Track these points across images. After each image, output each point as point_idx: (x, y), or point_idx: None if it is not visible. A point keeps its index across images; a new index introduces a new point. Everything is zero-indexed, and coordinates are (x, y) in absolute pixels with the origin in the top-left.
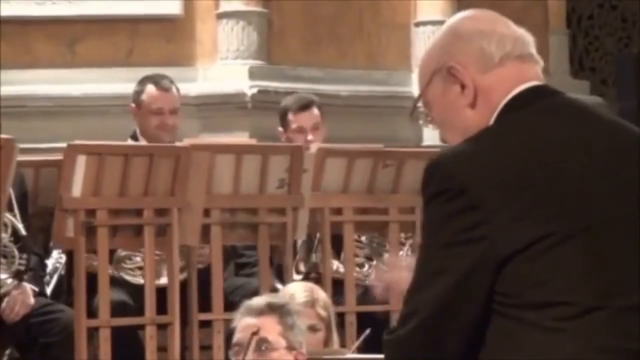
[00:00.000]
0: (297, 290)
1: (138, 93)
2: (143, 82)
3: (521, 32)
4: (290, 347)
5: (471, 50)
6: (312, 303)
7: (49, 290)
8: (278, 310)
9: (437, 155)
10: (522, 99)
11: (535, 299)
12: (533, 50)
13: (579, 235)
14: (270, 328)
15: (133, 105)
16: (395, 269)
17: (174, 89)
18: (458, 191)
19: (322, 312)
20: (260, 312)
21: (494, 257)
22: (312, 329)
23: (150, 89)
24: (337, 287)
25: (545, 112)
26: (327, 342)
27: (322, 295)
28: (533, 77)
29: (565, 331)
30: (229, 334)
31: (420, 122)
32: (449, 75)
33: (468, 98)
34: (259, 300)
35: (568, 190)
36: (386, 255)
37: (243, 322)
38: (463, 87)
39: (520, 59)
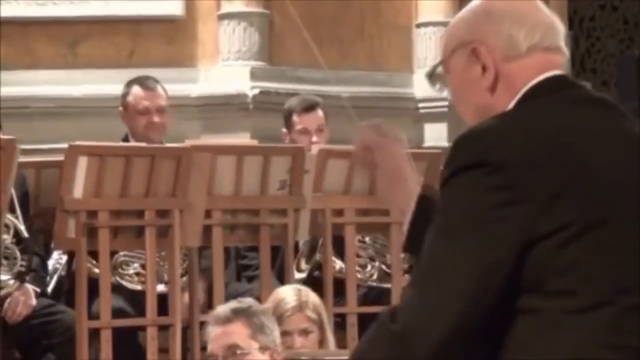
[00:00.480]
0: (286, 294)
1: (124, 96)
2: (129, 84)
3: (553, 20)
4: (263, 348)
5: (499, 35)
6: (300, 307)
7: (48, 290)
8: (243, 314)
9: (473, 127)
10: (547, 87)
11: (545, 289)
12: (562, 42)
13: (598, 228)
14: (239, 333)
15: (121, 108)
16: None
17: (159, 88)
18: (497, 166)
19: (312, 315)
20: (226, 319)
21: (523, 240)
22: (304, 332)
23: (136, 89)
24: (341, 288)
25: (571, 101)
26: (322, 343)
27: (312, 297)
28: (557, 66)
29: (570, 325)
30: None
31: (437, 86)
32: (472, 55)
33: (488, 81)
34: (223, 308)
35: (594, 181)
36: (388, 256)
37: (213, 333)
38: (484, 69)
39: (548, 50)
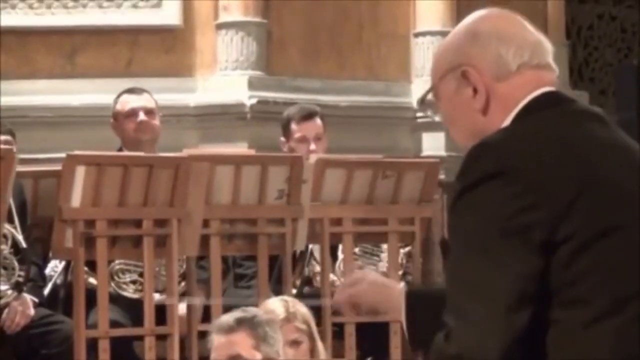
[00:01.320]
0: (275, 306)
1: (114, 106)
2: (118, 95)
3: (540, 38)
4: (266, 359)
5: (488, 56)
6: (289, 318)
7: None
8: (247, 324)
9: (483, 140)
10: (543, 102)
11: (562, 298)
12: (550, 59)
13: (608, 236)
14: (243, 343)
15: (112, 120)
16: (354, 283)
17: (146, 94)
18: (514, 174)
19: (302, 326)
20: (230, 328)
21: (545, 245)
22: (295, 343)
23: (123, 97)
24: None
25: (570, 115)
26: (312, 352)
27: (301, 308)
28: (548, 83)
29: (583, 336)
30: None
31: (429, 112)
32: (462, 78)
33: (480, 103)
34: (227, 317)
35: (603, 190)
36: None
37: (216, 342)
38: (475, 91)
39: (538, 68)
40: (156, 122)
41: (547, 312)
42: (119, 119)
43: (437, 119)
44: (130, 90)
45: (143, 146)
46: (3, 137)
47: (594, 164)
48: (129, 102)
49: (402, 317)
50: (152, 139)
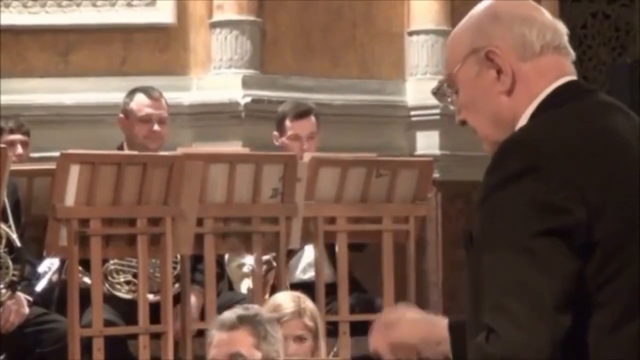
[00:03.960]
0: (285, 299)
1: (127, 103)
2: (133, 92)
3: (557, 21)
4: (266, 358)
5: (512, 36)
6: (299, 313)
7: (37, 290)
8: (249, 322)
9: (514, 134)
10: (567, 93)
11: (590, 301)
12: (566, 42)
13: (635, 237)
14: (243, 341)
15: (121, 115)
16: (391, 325)
17: (163, 100)
18: (548, 170)
19: (309, 323)
20: (231, 326)
21: (582, 245)
22: (299, 339)
23: (140, 97)
24: (330, 295)
25: (594, 107)
26: (314, 351)
27: (310, 305)
28: (570, 71)
29: (604, 340)
30: None
31: (441, 104)
32: (486, 60)
33: (505, 85)
34: (229, 314)
35: (631, 187)
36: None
37: (216, 338)
38: (499, 72)
39: (558, 51)
40: (166, 130)
41: (577, 315)
42: (131, 118)
43: (452, 107)
44: (148, 93)
45: (149, 150)
46: (20, 138)
47: (623, 160)
48: (146, 106)
49: (449, 350)
50: (159, 146)
